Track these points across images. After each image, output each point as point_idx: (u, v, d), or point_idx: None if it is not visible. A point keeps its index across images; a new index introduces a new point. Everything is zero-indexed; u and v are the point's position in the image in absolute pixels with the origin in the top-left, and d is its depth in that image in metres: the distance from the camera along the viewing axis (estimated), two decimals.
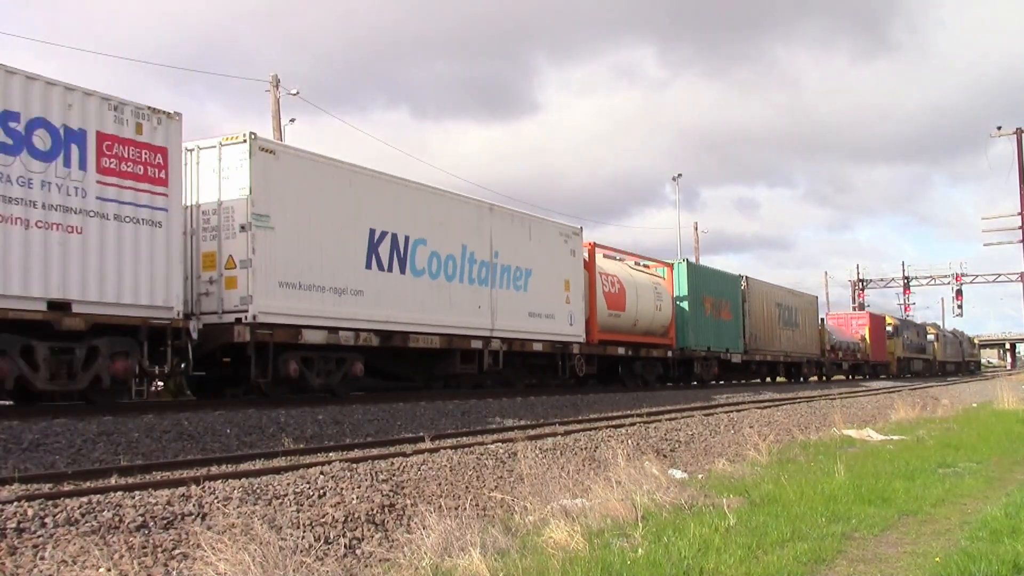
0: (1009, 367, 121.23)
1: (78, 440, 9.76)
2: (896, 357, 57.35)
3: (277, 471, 8.61)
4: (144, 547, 6.05)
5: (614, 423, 15.02)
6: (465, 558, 5.68)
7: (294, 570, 5.53)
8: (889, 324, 57.24)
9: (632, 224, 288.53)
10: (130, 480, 7.88)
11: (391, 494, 8.09)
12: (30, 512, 6.34)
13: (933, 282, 77.97)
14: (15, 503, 6.49)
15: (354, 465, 9.10)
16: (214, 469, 8.72)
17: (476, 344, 19.14)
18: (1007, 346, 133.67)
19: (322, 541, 6.66)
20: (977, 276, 75.94)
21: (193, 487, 7.53)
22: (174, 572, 5.78)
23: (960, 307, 71.63)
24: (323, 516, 7.20)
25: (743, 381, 37.64)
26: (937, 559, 5.84)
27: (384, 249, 16.68)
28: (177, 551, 6.10)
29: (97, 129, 11.77)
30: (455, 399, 17.29)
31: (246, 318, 13.68)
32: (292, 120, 33.28)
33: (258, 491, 7.67)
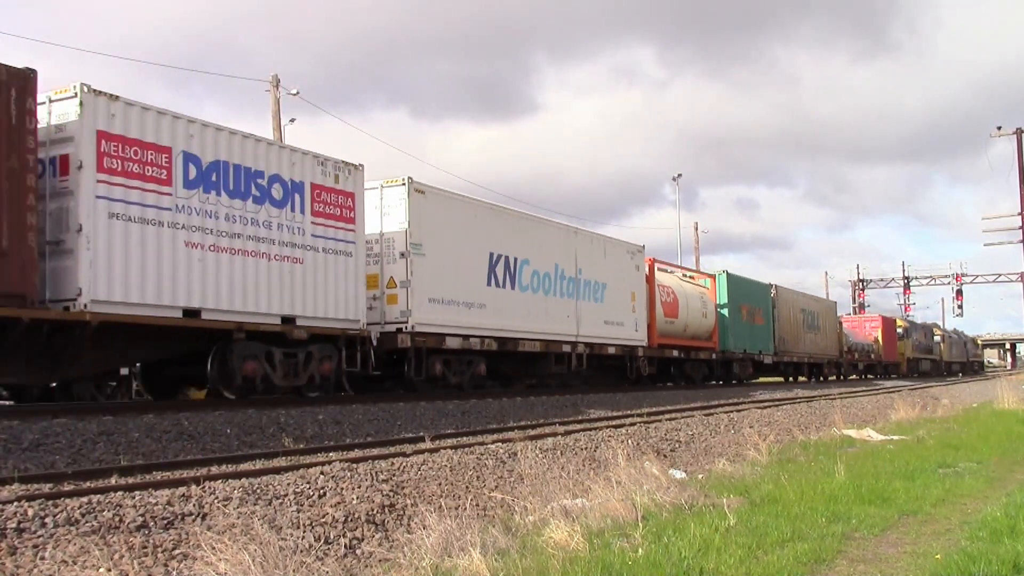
0: (1009, 367, 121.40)
1: (78, 440, 9.76)
2: (906, 358, 60.16)
3: (277, 471, 8.61)
4: (144, 547, 6.05)
5: (614, 423, 15.02)
6: (465, 558, 5.68)
7: (294, 570, 5.53)
8: (899, 326, 60.37)
9: (632, 224, 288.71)
10: (130, 480, 7.88)
11: (391, 494, 8.09)
12: (30, 512, 6.34)
13: (933, 282, 78.03)
14: (15, 503, 6.49)
15: (354, 465, 9.10)
16: (214, 469, 8.72)
17: (566, 348, 22.54)
18: (1007, 346, 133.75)
19: (322, 541, 6.66)
20: (977, 276, 76.01)
21: (193, 487, 7.53)
22: (174, 572, 5.78)
23: (960, 307, 71.69)
24: (323, 516, 7.20)
25: (760, 380, 40.47)
26: (937, 559, 5.84)
27: (500, 269, 20.11)
28: (177, 551, 6.10)
29: (311, 181, 15.07)
30: (455, 399, 17.29)
31: (406, 328, 17.09)
32: (292, 120, 33.34)
33: (258, 491, 7.67)
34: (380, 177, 17.62)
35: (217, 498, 7.30)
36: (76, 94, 11.62)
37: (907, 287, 78.54)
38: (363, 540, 6.90)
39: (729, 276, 33.44)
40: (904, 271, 78.93)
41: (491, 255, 19.79)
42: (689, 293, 30.57)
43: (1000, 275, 74.51)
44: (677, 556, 5.75)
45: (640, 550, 5.98)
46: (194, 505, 7.04)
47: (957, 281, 73.12)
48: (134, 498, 7.02)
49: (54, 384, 15.39)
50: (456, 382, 18.91)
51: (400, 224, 17.33)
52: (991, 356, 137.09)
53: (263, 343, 14.15)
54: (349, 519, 7.23)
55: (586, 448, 11.95)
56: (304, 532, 6.75)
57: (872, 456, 11.90)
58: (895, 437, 14.95)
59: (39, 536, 6.03)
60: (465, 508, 7.45)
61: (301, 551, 6.16)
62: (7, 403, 15.46)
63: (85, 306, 11.42)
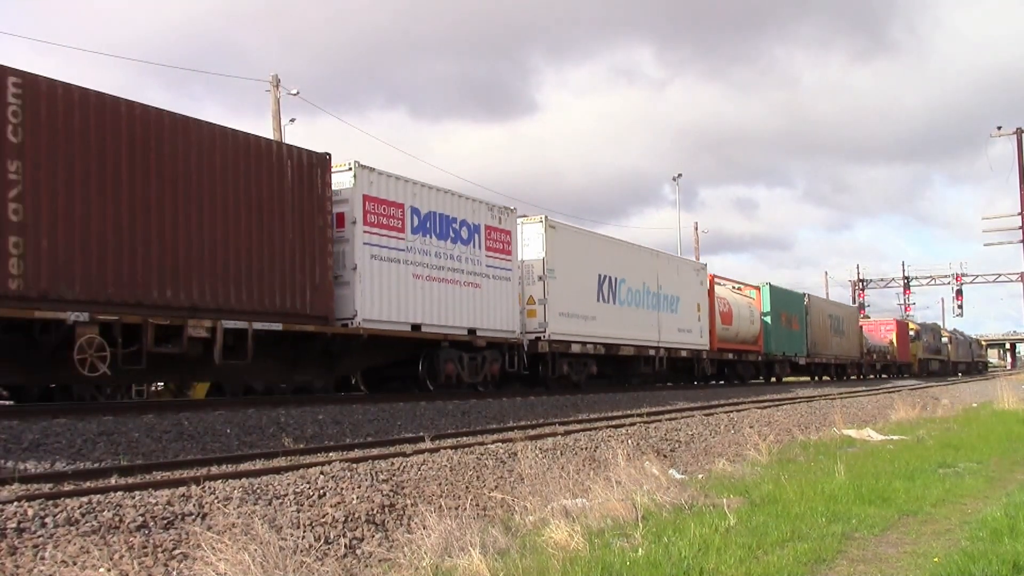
0: (1009, 367, 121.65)
1: (78, 440, 9.75)
2: (917, 358, 64.22)
3: (277, 471, 8.60)
4: (144, 547, 6.05)
5: (614, 423, 15.01)
6: (465, 558, 5.68)
7: (294, 570, 5.53)
8: (912, 329, 64.40)
9: (631, 224, 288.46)
10: (130, 480, 7.88)
11: (391, 494, 8.09)
12: (30, 512, 6.34)
13: (933, 282, 78.05)
14: (15, 503, 6.49)
15: (354, 465, 9.09)
16: (214, 469, 8.72)
17: (651, 352, 27.04)
18: (1007, 346, 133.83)
19: (322, 541, 6.66)
20: (977, 276, 76.01)
21: (193, 487, 7.53)
22: (174, 572, 5.77)
23: (960, 307, 71.74)
24: (323, 516, 7.20)
25: (790, 379, 44.90)
26: (937, 559, 5.84)
27: (605, 287, 24.62)
28: (177, 551, 6.10)
29: (485, 223, 19.56)
30: (455, 399, 17.29)
31: (544, 336, 21.45)
32: (292, 120, 33.34)
33: (258, 491, 7.67)
34: None
35: (217, 498, 7.30)
36: (351, 168, 15.90)
37: (907, 287, 78.58)
38: (363, 540, 6.90)
39: (772, 288, 38.38)
40: (904, 271, 79.01)
41: (599, 276, 24.28)
42: (740, 303, 35.22)
43: (1000, 275, 74.54)
44: (677, 556, 5.75)
45: (640, 550, 5.98)
46: (194, 505, 7.04)
47: (957, 281, 73.18)
48: (134, 498, 7.02)
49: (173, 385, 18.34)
50: (576, 380, 23.44)
51: (538, 253, 21.76)
52: (991, 356, 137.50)
53: (456, 350, 18.78)
54: (349, 519, 7.23)
55: (586, 448, 11.95)
56: (304, 532, 6.75)
57: (872, 456, 11.90)
58: (895, 437, 14.94)
59: (39, 536, 6.02)
60: (465, 508, 7.44)
61: (301, 551, 6.16)
62: (7, 403, 15.45)
63: (359, 324, 15.70)
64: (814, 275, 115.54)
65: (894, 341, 58.42)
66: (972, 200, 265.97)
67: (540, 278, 21.59)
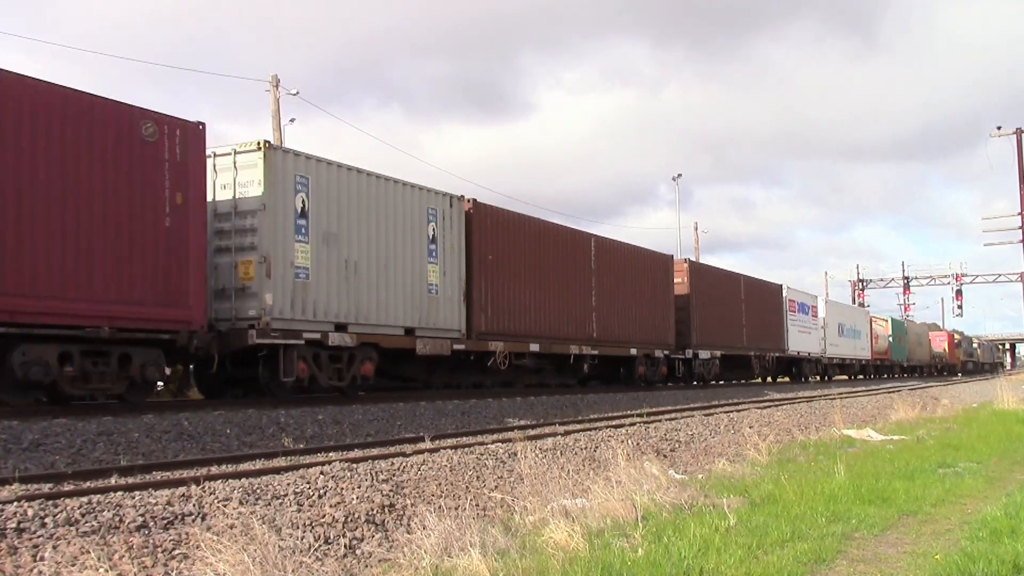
0: (1009, 367, 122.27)
1: (78, 440, 9.76)
2: (960, 361, 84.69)
3: (277, 471, 8.61)
4: (144, 547, 6.05)
5: (614, 423, 15.01)
6: (465, 558, 5.67)
7: (294, 570, 5.53)
8: (956, 337, 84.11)
9: (627, 224, 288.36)
10: (130, 480, 7.88)
11: (391, 494, 8.09)
12: (30, 512, 6.34)
13: (933, 282, 78.14)
14: (15, 503, 6.49)
15: (354, 465, 9.09)
16: (214, 469, 8.72)
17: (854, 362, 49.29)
18: (1007, 346, 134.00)
19: (322, 541, 6.66)
20: (977, 276, 76.05)
21: (193, 487, 7.53)
22: (174, 572, 5.77)
23: (960, 307, 71.77)
24: (323, 516, 7.20)
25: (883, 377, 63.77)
26: (937, 559, 5.84)
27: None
28: (177, 551, 6.09)
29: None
30: (455, 399, 17.29)
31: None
32: (292, 120, 33.34)
33: (258, 491, 7.67)
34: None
35: (217, 498, 7.30)
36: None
37: (907, 287, 78.63)
38: (363, 540, 6.90)
39: (893, 320, 63.32)
40: (904, 271, 79.09)
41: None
42: (881, 327, 58.99)
43: (1000, 275, 74.59)
44: (677, 556, 5.75)
45: (640, 550, 5.98)
46: (194, 505, 7.04)
47: (957, 281, 73.21)
48: (134, 498, 7.02)
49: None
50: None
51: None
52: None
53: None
54: (349, 519, 7.23)
55: (586, 448, 11.95)
56: (304, 532, 6.75)
57: (872, 456, 11.90)
58: (895, 437, 14.94)
59: (39, 536, 6.02)
60: (465, 508, 7.44)
61: (301, 551, 6.16)
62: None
63: None
64: (812, 275, 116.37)
65: (947, 348, 78.52)
66: (968, 200, 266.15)
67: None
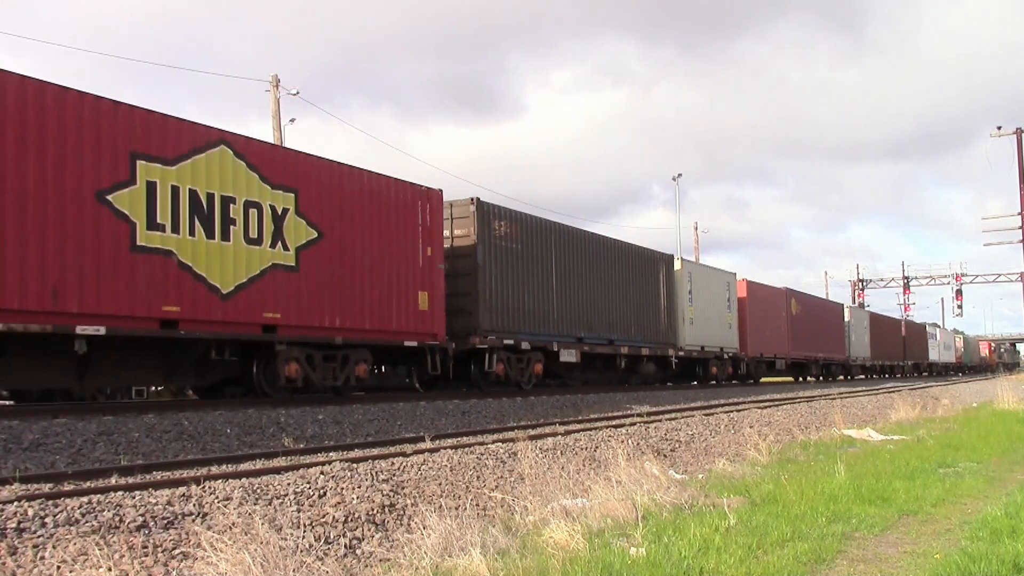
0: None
1: (78, 440, 9.76)
2: (996, 362, 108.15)
3: (277, 471, 8.61)
4: (144, 547, 6.05)
5: (614, 423, 15.01)
6: (465, 558, 5.67)
7: (294, 570, 5.53)
8: (993, 344, 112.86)
9: (622, 224, 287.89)
10: (130, 480, 7.88)
11: (391, 494, 8.09)
12: (30, 512, 6.34)
13: (933, 282, 78.16)
14: (15, 503, 6.49)
15: (354, 465, 9.09)
16: (214, 469, 8.72)
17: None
18: (1007, 345, 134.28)
19: (322, 541, 6.66)
20: (976, 276, 76.08)
21: (193, 487, 7.53)
22: (174, 572, 5.77)
23: (960, 307, 71.80)
24: (323, 516, 7.20)
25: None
26: (937, 558, 5.84)
27: None
28: (177, 551, 6.10)
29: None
30: (455, 399, 17.29)
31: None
32: (292, 120, 33.33)
33: (258, 491, 7.67)
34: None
35: (217, 498, 7.30)
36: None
37: (907, 287, 78.66)
38: (363, 540, 6.90)
39: (966, 336, 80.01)
40: (904, 271, 79.16)
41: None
42: (959, 341, 78.31)
43: (1000, 275, 74.63)
44: (677, 556, 5.75)
45: (640, 549, 5.98)
46: (194, 505, 7.04)
47: (957, 281, 73.25)
48: (134, 498, 7.02)
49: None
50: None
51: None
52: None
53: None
54: (349, 519, 7.23)
55: (586, 448, 11.95)
56: (304, 532, 6.75)
57: (872, 456, 11.90)
58: (895, 437, 14.94)
59: (39, 536, 6.02)
60: (465, 508, 7.44)
61: (301, 551, 6.16)
62: (7, 403, 15.44)
63: None
64: (808, 275, 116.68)
65: (988, 352, 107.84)
66: (961, 199, 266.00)
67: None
